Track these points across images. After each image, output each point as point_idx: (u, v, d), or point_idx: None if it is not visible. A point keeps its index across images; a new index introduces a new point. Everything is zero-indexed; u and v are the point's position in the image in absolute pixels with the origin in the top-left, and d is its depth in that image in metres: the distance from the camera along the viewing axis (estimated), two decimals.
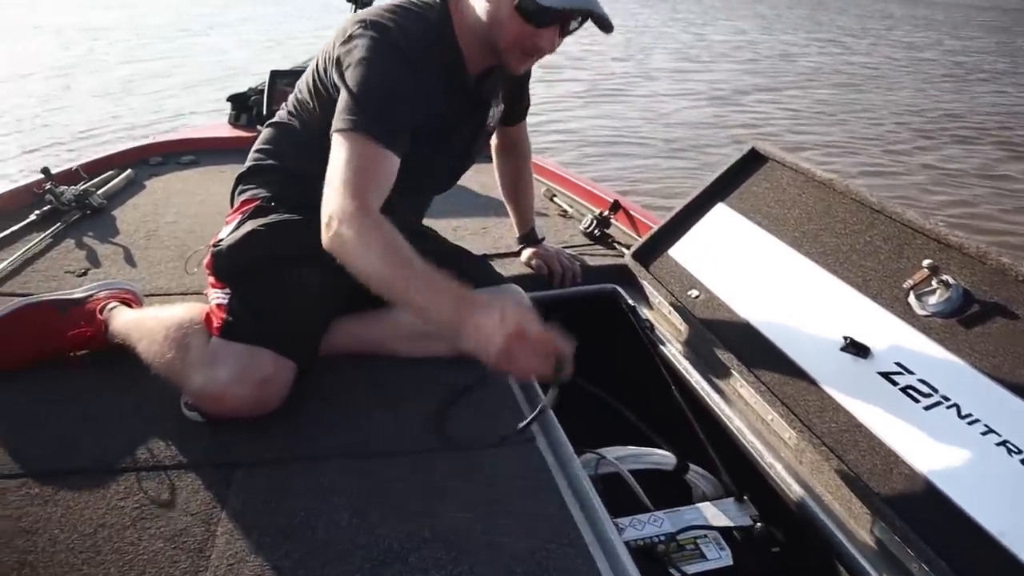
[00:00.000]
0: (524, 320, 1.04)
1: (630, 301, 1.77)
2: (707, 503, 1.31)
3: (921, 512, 1.03)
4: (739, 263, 1.62)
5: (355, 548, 0.99)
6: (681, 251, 1.77)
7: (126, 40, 13.24)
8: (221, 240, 1.40)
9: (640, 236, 2.02)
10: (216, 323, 1.27)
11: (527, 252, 1.88)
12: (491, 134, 1.67)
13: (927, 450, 1.09)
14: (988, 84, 11.73)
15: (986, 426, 1.06)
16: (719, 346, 1.49)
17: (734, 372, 1.44)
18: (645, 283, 1.80)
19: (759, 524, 1.26)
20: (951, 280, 1.23)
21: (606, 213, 2.10)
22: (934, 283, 1.24)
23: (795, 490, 1.21)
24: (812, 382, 1.30)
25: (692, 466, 1.40)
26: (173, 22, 16.28)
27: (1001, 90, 11.24)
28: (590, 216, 2.12)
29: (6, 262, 1.74)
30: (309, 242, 1.27)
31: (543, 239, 1.90)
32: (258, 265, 1.34)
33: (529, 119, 1.81)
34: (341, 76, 1.29)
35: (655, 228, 1.88)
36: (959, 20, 25.06)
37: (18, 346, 1.33)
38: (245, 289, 1.32)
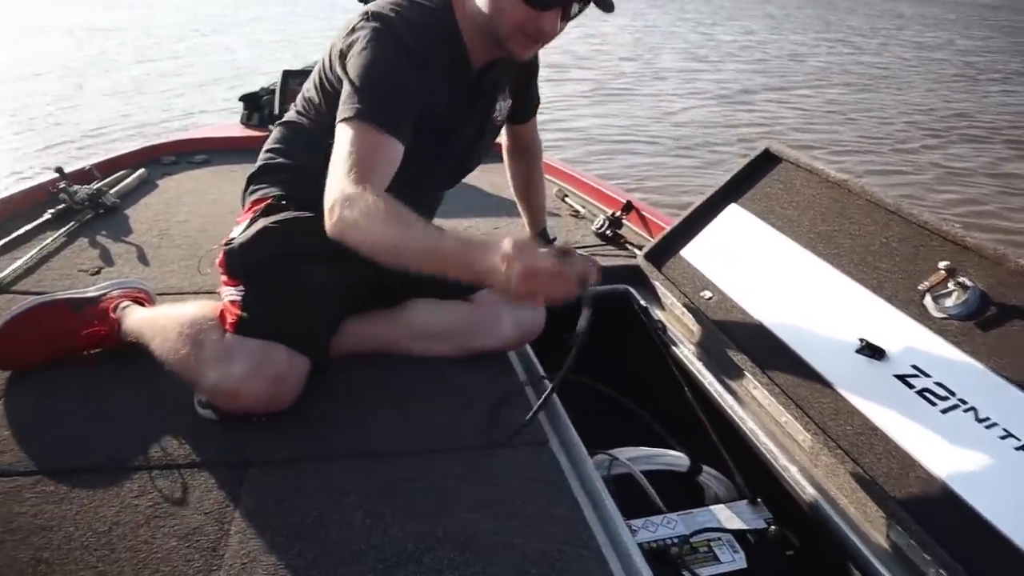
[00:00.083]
0: (534, 251, 1.02)
1: (642, 302, 1.77)
2: (720, 505, 1.30)
3: (938, 516, 1.02)
4: (752, 264, 1.61)
5: (368, 548, 0.99)
6: (694, 252, 1.77)
7: (137, 40, 13.30)
8: (233, 239, 1.40)
9: (652, 237, 2.02)
10: (230, 319, 1.27)
11: None
12: (499, 128, 1.66)
13: (944, 454, 1.08)
14: (1000, 84, 11.65)
15: (1005, 430, 1.05)
16: (732, 347, 1.48)
17: (747, 374, 1.43)
18: (657, 284, 1.79)
19: (773, 527, 1.25)
20: (968, 282, 1.21)
21: (618, 214, 2.10)
22: (951, 285, 1.23)
23: (809, 493, 1.20)
24: (827, 384, 1.29)
25: (705, 468, 1.39)
26: (184, 22, 16.35)
27: (1013, 90, 11.16)
28: (602, 216, 2.11)
29: (21, 261, 1.75)
30: (321, 239, 1.28)
31: (555, 239, 1.90)
32: (270, 262, 1.34)
33: (537, 117, 1.81)
34: (344, 68, 1.30)
35: (667, 229, 1.87)
36: (971, 20, 24.92)
37: (32, 344, 1.34)
38: (258, 286, 1.32)
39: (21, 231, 1.92)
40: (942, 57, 14.46)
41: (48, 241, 1.88)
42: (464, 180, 1.66)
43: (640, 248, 1.93)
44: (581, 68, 11.15)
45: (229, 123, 3.31)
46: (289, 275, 1.34)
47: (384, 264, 1.18)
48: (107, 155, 2.65)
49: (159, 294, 1.60)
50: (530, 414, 1.26)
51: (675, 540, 1.20)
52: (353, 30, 1.32)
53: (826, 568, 1.17)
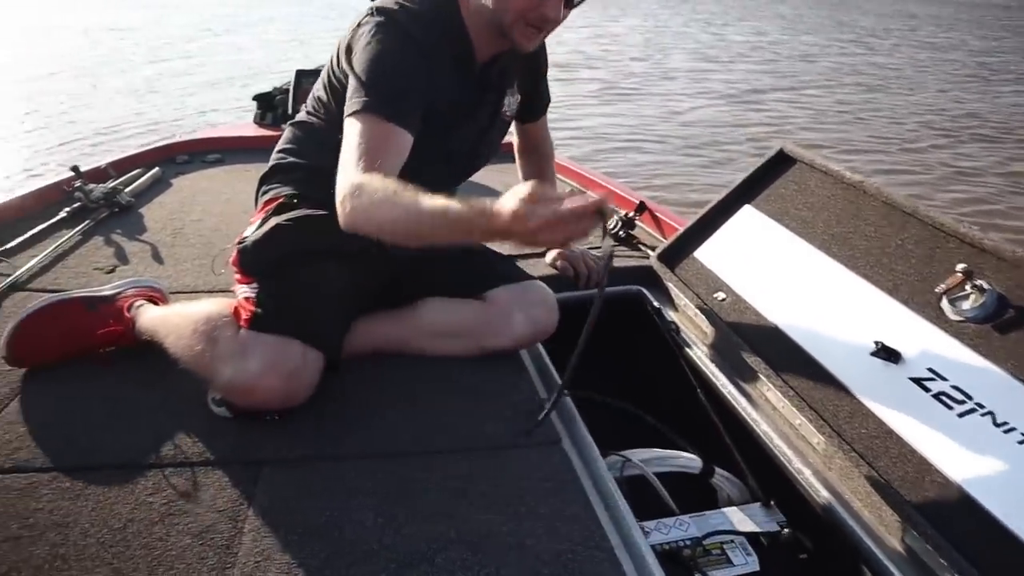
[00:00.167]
0: (546, 199, 1.00)
1: (655, 303, 1.76)
2: (733, 508, 1.29)
3: (954, 520, 1.01)
4: (766, 266, 1.61)
5: (381, 548, 0.99)
6: (707, 253, 1.76)
7: (150, 40, 13.38)
8: (246, 237, 1.41)
9: (665, 238, 2.01)
10: (245, 316, 1.27)
11: (552, 253, 1.88)
12: (508, 124, 1.66)
13: (961, 458, 1.07)
14: (1013, 85, 11.53)
15: (1023, 434, 1.04)
16: (746, 349, 1.47)
17: (761, 376, 1.42)
18: (671, 285, 1.79)
19: (786, 530, 1.24)
20: (985, 285, 1.20)
21: (631, 214, 2.09)
22: (968, 288, 1.22)
23: (823, 496, 1.20)
24: (841, 387, 1.28)
25: (718, 470, 1.39)
26: (197, 22, 16.44)
27: None
28: (615, 217, 2.10)
29: (37, 259, 1.77)
30: (333, 237, 1.29)
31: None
32: (284, 260, 1.35)
33: (547, 116, 1.80)
34: (350, 63, 1.31)
35: (681, 230, 1.87)
36: (985, 20, 24.73)
37: (47, 342, 1.35)
38: (271, 283, 1.33)
39: (37, 229, 1.94)
40: (955, 58, 14.35)
41: (64, 239, 1.90)
42: (477, 180, 1.66)
43: (653, 249, 1.93)
44: (591, 68, 11.15)
45: (242, 122, 3.33)
46: (302, 272, 1.35)
47: (403, 245, 1.19)
48: (122, 154, 2.66)
49: (173, 292, 1.61)
50: (543, 414, 1.26)
51: (688, 542, 1.20)
52: (359, 25, 1.34)
53: (840, 572, 1.16)
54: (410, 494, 1.10)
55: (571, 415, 1.34)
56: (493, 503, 1.09)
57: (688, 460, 1.38)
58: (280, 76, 3.28)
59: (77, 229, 1.98)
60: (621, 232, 2.07)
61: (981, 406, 1.10)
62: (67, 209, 2.06)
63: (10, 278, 1.66)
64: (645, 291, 1.83)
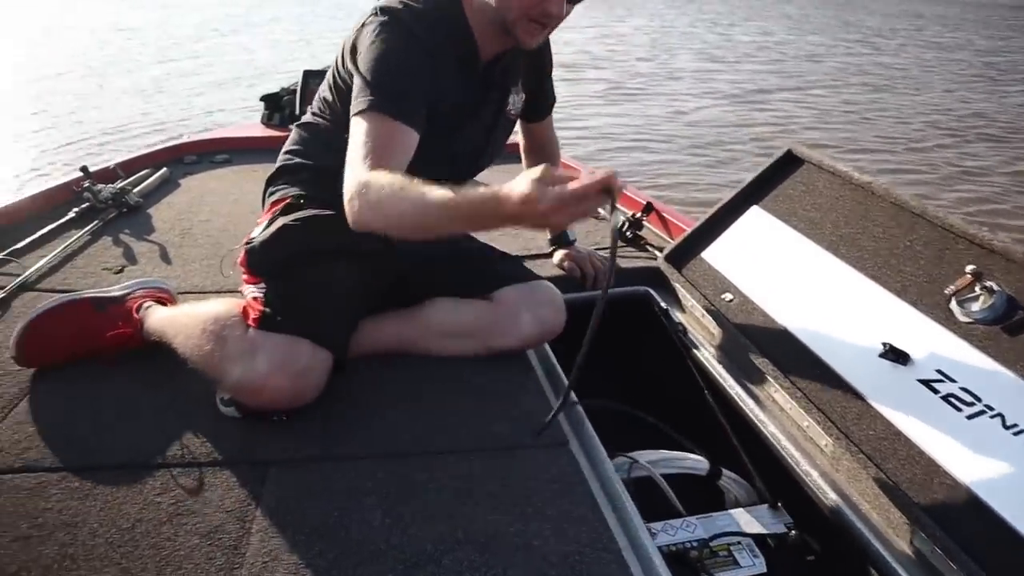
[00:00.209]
0: (554, 182, 1.00)
1: (663, 304, 1.76)
2: (740, 509, 1.29)
3: (963, 523, 1.01)
4: (774, 267, 1.60)
5: (388, 549, 0.99)
6: (715, 254, 1.76)
7: (158, 40, 13.43)
8: (253, 238, 1.41)
9: (673, 239, 2.01)
10: (253, 315, 1.27)
11: (559, 254, 1.88)
12: (513, 123, 1.66)
13: (970, 460, 1.06)
14: (1020, 85, 11.49)
15: None
16: (753, 350, 1.47)
17: (768, 377, 1.42)
18: (678, 286, 1.78)
19: (793, 532, 1.24)
20: (995, 287, 1.20)
21: (639, 215, 2.09)
22: (977, 289, 1.21)
23: (831, 498, 1.19)
24: (849, 389, 1.28)
25: (725, 471, 1.39)
26: (204, 22, 16.49)
27: None
28: (622, 217, 2.10)
29: (46, 259, 1.78)
30: (340, 236, 1.29)
31: (575, 240, 1.90)
32: (291, 259, 1.36)
33: (553, 116, 1.80)
34: (355, 62, 1.32)
35: (688, 231, 1.86)
36: (991, 20, 24.62)
37: (56, 342, 1.35)
38: (279, 283, 1.33)
39: (46, 229, 1.95)
40: (961, 58, 14.30)
41: (73, 239, 1.91)
42: (482, 180, 1.66)
43: (661, 250, 1.93)
44: (597, 68, 11.14)
45: (250, 123, 3.33)
46: (310, 271, 1.35)
47: (413, 239, 1.21)
48: (130, 154, 2.68)
49: (181, 293, 1.62)
50: (551, 416, 1.26)
51: (695, 544, 1.20)
52: (363, 25, 1.34)
53: (847, 574, 1.16)
54: (417, 494, 1.10)
55: (579, 417, 1.34)
56: (500, 504, 1.09)
57: (695, 462, 1.38)
58: (287, 76, 3.29)
59: (86, 229, 1.99)
60: (628, 233, 2.07)
61: (990, 408, 1.10)
62: (76, 209, 2.08)
63: (20, 278, 1.66)
64: (652, 292, 1.82)
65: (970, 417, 1.11)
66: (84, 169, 2.17)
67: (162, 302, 1.47)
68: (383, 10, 1.32)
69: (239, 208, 2.23)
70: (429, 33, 1.32)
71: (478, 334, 1.48)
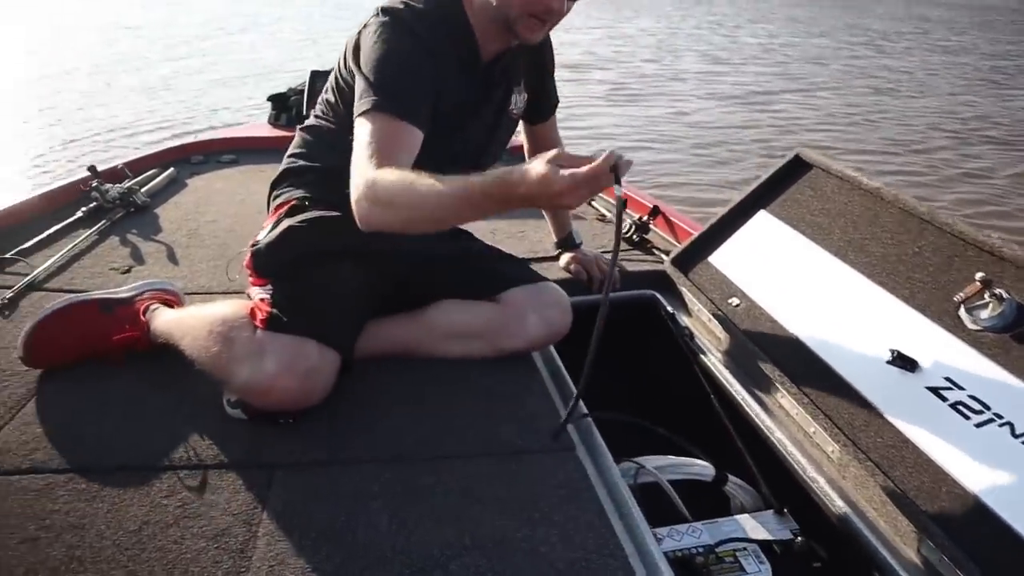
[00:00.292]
0: (567, 163, 1.05)
1: (669, 308, 1.76)
2: (746, 515, 1.29)
3: (971, 532, 1.01)
4: (781, 272, 1.60)
5: (395, 554, 0.99)
6: (721, 258, 1.75)
7: (165, 38, 13.47)
8: (259, 240, 1.41)
9: (679, 242, 2.00)
10: (261, 316, 1.27)
11: (565, 257, 1.88)
12: (516, 122, 1.65)
13: (978, 468, 1.06)
14: None
15: None
16: (760, 356, 1.47)
17: (775, 383, 1.42)
18: (684, 290, 1.78)
19: (800, 538, 1.23)
20: (1004, 294, 1.19)
21: (645, 218, 2.09)
22: (986, 297, 1.21)
23: (838, 505, 1.19)
24: (857, 395, 1.27)
25: (731, 477, 1.38)
26: (210, 20, 16.53)
27: None
28: (629, 221, 2.10)
29: (54, 258, 1.78)
30: (345, 237, 1.30)
31: (580, 244, 1.89)
32: (297, 260, 1.36)
33: (556, 117, 1.80)
34: (357, 62, 1.32)
35: (695, 234, 1.86)
36: (998, 23, 24.55)
37: (64, 343, 1.36)
38: (286, 284, 1.34)
39: (54, 229, 1.95)
40: (967, 61, 14.25)
41: (80, 239, 1.92)
42: None
43: (667, 253, 1.92)
44: (603, 69, 11.13)
45: (257, 123, 3.34)
46: (316, 272, 1.36)
47: (426, 231, 1.23)
48: (137, 154, 2.68)
49: (188, 294, 1.62)
50: (563, 421, 1.26)
51: (700, 549, 1.19)
52: (365, 26, 1.35)
53: None
54: (423, 498, 1.10)
55: (586, 423, 1.33)
56: (507, 509, 1.09)
57: (701, 468, 1.38)
58: (293, 75, 3.29)
59: (93, 229, 2.00)
60: (635, 236, 2.06)
61: (999, 416, 1.09)
62: (84, 209, 2.08)
63: (27, 278, 1.67)
64: (658, 296, 1.82)
65: (979, 425, 1.10)
66: (92, 168, 2.17)
67: (169, 304, 1.47)
68: (385, 11, 1.33)
69: (246, 208, 2.23)
70: (430, 33, 1.32)
71: (485, 336, 1.48)
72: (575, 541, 1.04)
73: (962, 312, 1.23)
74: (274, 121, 3.17)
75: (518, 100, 1.58)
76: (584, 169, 1.03)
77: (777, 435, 1.36)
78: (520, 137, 1.82)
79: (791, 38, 17.12)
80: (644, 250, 2.04)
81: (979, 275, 1.21)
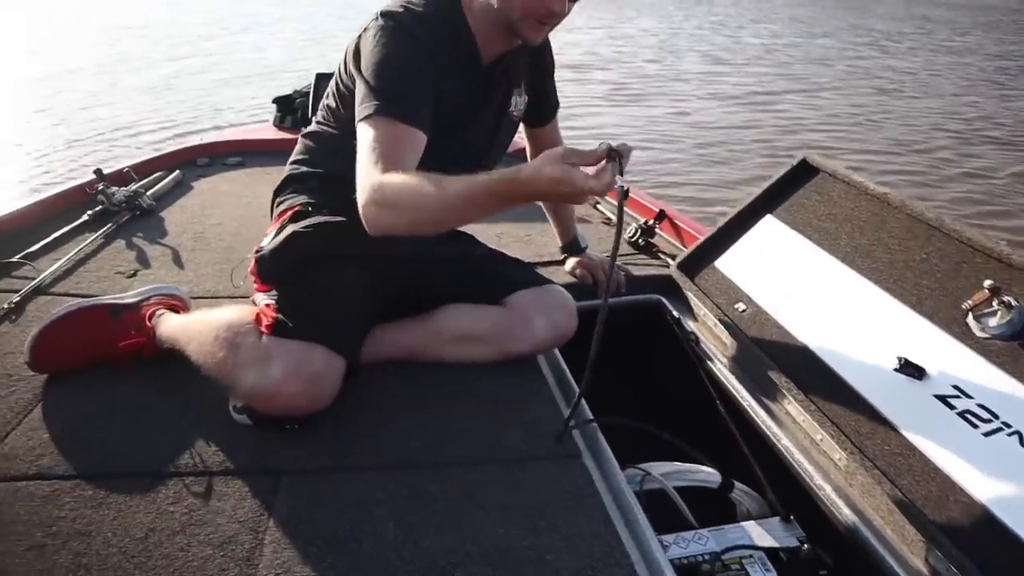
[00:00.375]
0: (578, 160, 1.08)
1: (675, 313, 1.75)
2: (752, 522, 1.28)
3: (980, 542, 1.00)
4: (788, 277, 1.59)
5: (400, 562, 0.99)
6: (728, 263, 1.75)
7: (168, 38, 13.49)
8: (263, 246, 1.42)
9: (685, 246, 2.00)
10: (266, 322, 1.27)
11: (571, 261, 1.88)
12: (516, 124, 1.65)
13: (986, 478, 1.06)
14: None
15: None
16: (766, 362, 1.46)
17: (782, 389, 1.41)
18: (690, 295, 1.78)
19: (806, 546, 1.23)
20: (1013, 302, 1.19)
21: (651, 222, 2.08)
22: (995, 304, 1.20)
23: (845, 513, 1.19)
24: (864, 403, 1.27)
25: (737, 484, 1.38)
26: (213, 20, 16.55)
27: None
28: (634, 225, 2.10)
29: (60, 262, 1.78)
30: (349, 242, 1.30)
31: (586, 247, 1.89)
32: (301, 265, 1.36)
33: (558, 120, 1.80)
34: (358, 66, 1.32)
35: (701, 239, 1.86)
36: (1002, 24, 24.49)
37: (70, 348, 1.36)
38: (291, 289, 1.34)
39: (60, 232, 1.96)
40: (970, 62, 14.22)
41: (86, 243, 1.92)
42: None
43: (673, 258, 1.92)
44: (603, 70, 11.12)
45: (262, 125, 3.34)
46: (321, 277, 1.36)
47: (435, 232, 1.25)
48: (141, 154, 2.69)
49: (194, 298, 1.62)
50: (567, 420, 1.26)
51: (706, 557, 1.19)
52: (366, 30, 1.35)
53: None
54: (428, 506, 1.10)
55: (591, 429, 1.33)
56: (512, 516, 1.09)
57: (707, 474, 1.37)
58: (296, 75, 3.30)
59: (99, 232, 2.00)
60: (640, 240, 2.06)
61: (1008, 425, 1.09)
62: (89, 212, 2.08)
63: (34, 282, 1.67)
64: (664, 300, 1.82)
65: (987, 434, 1.10)
66: (98, 172, 2.18)
67: (175, 309, 1.47)
68: (384, 14, 1.33)
69: (251, 212, 2.23)
70: (430, 35, 1.32)
71: (491, 339, 1.48)
72: (581, 549, 1.03)
73: (970, 319, 1.23)
74: (279, 123, 3.17)
75: (518, 102, 1.58)
76: (591, 170, 1.07)
77: (783, 442, 1.35)
78: (522, 139, 1.81)
79: (794, 38, 17.10)
80: (650, 254, 2.03)
81: (987, 282, 1.20)
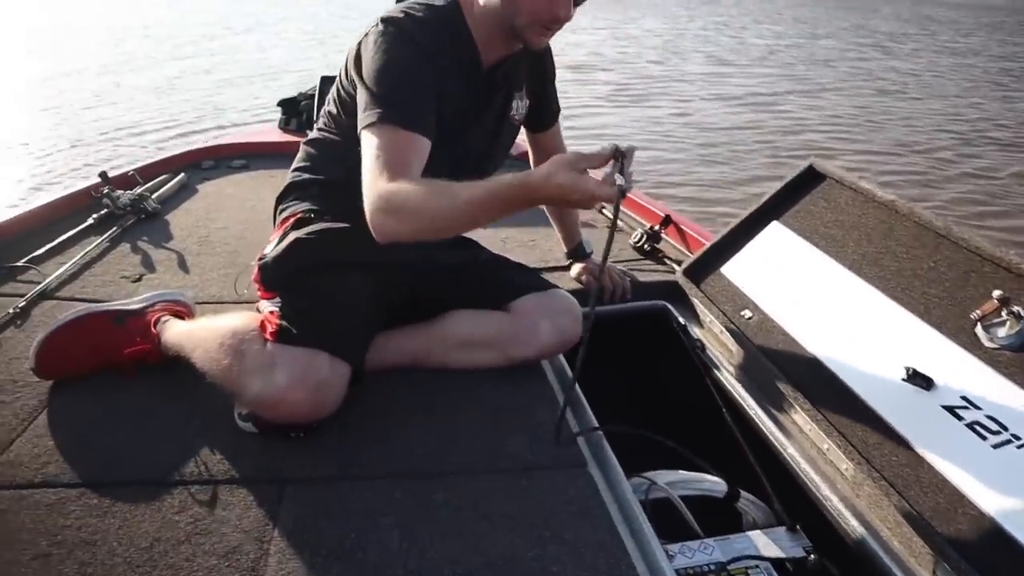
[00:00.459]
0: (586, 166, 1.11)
1: (680, 319, 1.75)
2: (758, 532, 1.27)
3: (988, 555, 0.99)
4: (794, 284, 1.59)
5: (405, 572, 0.99)
6: (734, 269, 1.74)
7: (172, 38, 13.51)
8: (266, 254, 1.41)
9: (691, 252, 2.00)
10: (271, 329, 1.27)
11: (577, 267, 1.87)
12: (518, 128, 1.65)
13: (996, 490, 1.05)
14: None
15: None
16: (772, 370, 1.46)
17: (788, 398, 1.41)
18: (696, 301, 1.77)
19: (813, 556, 1.22)
20: (1022, 312, 1.18)
21: (656, 227, 2.08)
22: (1004, 314, 1.19)
23: (852, 524, 1.18)
24: (871, 413, 1.26)
25: (743, 493, 1.37)
26: (217, 20, 16.57)
27: None
28: (640, 230, 2.09)
29: (65, 266, 1.78)
30: (352, 249, 1.30)
31: (591, 253, 1.89)
32: (306, 272, 1.36)
33: (561, 125, 1.80)
34: (359, 73, 1.32)
35: (707, 245, 1.85)
36: (1007, 25, 24.44)
37: (75, 355, 1.35)
38: (295, 296, 1.33)
39: (65, 236, 1.95)
40: (974, 63, 14.20)
41: (92, 247, 1.92)
42: None
43: (679, 263, 1.91)
44: (606, 71, 11.12)
45: (267, 128, 3.34)
46: (324, 284, 1.35)
47: (445, 236, 1.27)
48: (145, 153, 2.69)
49: (199, 303, 1.62)
50: (560, 411, 1.26)
51: (712, 567, 1.18)
52: (366, 35, 1.34)
53: None
54: (434, 515, 1.10)
55: (597, 438, 1.33)
56: (518, 526, 1.08)
57: (713, 483, 1.37)
58: (299, 75, 3.31)
59: (104, 236, 2.00)
60: (646, 245, 2.05)
61: (1017, 437, 1.08)
62: (95, 215, 2.08)
63: (39, 286, 1.67)
64: (670, 306, 1.81)
65: (996, 447, 1.09)
66: (103, 175, 2.17)
67: (180, 315, 1.47)
68: (384, 20, 1.33)
69: (256, 215, 2.23)
70: (431, 39, 1.32)
71: (496, 344, 1.47)
72: (586, 560, 1.03)
73: (979, 329, 1.22)
74: (284, 126, 3.16)
75: (519, 106, 1.58)
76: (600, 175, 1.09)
77: (790, 451, 1.35)
78: (524, 142, 1.81)
79: (797, 39, 17.10)
80: (656, 260, 2.03)
81: (996, 293, 1.20)
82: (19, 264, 1.77)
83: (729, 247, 1.79)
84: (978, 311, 1.23)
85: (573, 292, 1.65)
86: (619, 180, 1.08)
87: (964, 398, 1.17)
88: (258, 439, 1.23)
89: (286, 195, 1.54)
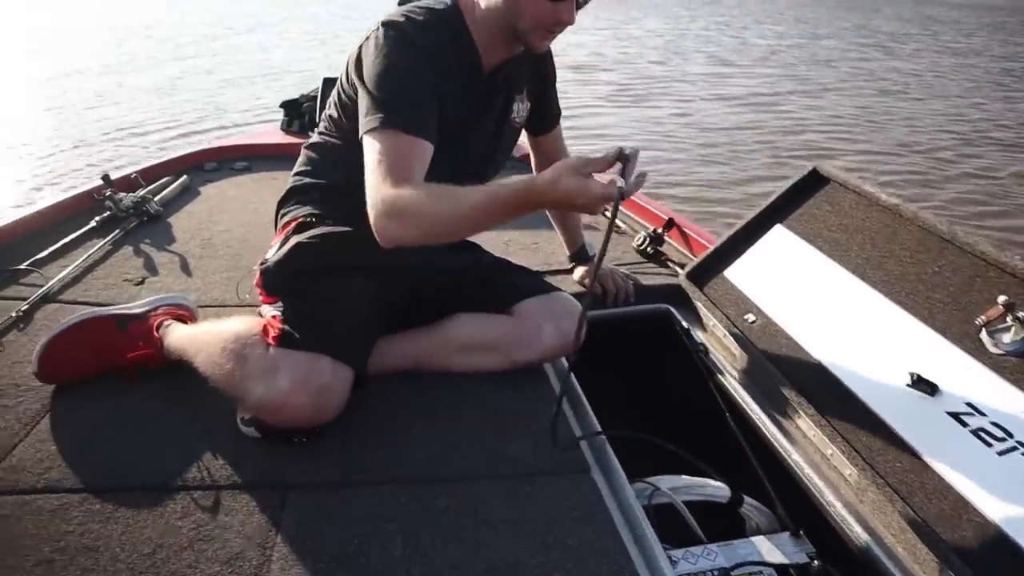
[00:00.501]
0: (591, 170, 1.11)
1: (684, 323, 1.74)
2: (761, 537, 1.27)
3: (993, 562, 0.99)
4: (798, 288, 1.58)
5: None
6: (737, 273, 1.74)
7: (173, 38, 13.52)
8: (268, 259, 1.41)
9: (694, 255, 1.99)
10: (273, 333, 1.27)
11: (580, 271, 1.87)
12: (518, 131, 1.65)
13: (1000, 498, 1.04)
14: None
15: None
16: (776, 374, 1.45)
17: (791, 402, 1.40)
18: (699, 305, 1.77)
19: (816, 562, 1.22)
20: None
21: (660, 230, 2.07)
22: (1009, 320, 1.19)
23: (856, 530, 1.17)
24: (875, 418, 1.26)
25: (747, 499, 1.37)
26: (218, 20, 16.59)
27: None
28: (643, 233, 2.09)
29: (68, 269, 1.78)
30: (354, 253, 1.30)
31: (594, 255, 1.88)
32: (306, 276, 1.36)
33: (562, 129, 1.80)
34: (360, 76, 1.31)
35: (710, 248, 1.85)
36: (1009, 25, 24.42)
37: (77, 359, 1.35)
38: (296, 300, 1.33)
39: (68, 239, 1.95)
40: (975, 63, 14.18)
41: (94, 250, 1.92)
42: None
43: (682, 266, 1.91)
44: (607, 71, 11.12)
45: (270, 130, 3.34)
46: (326, 287, 1.35)
47: (449, 240, 1.28)
48: (147, 154, 2.69)
49: (201, 307, 1.62)
50: (556, 406, 1.24)
51: (716, 572, 1.18)
52: (367, 39, 1.34)
53: None
54: (437, 521, 1.09)
55: (600, 442, 1.32)
56: (520, 532, 1.08)
57: (716, 489, 1.36)
58: (301, 75, 3.31)
59: (107, 239, 2.00)
60: (649, 248, 2.05)
61: (1022, 444, 1.08)
62: (97, 218, 2.08)
63: (42, 289, 1.67)
64: (673, 310, 1.81)
65: (1001, 453, 1.09)
66: (105, 177, 2.17)
67: (183, 319, 1.47)
68: (385, 24, 1.33)
69: (259, 217, 2.23)
70: (432, 43, 1.32)
71: (499, 348, 1.47)
72: (589, 566, 1.03)
73: (983, 335, 1.22)
74: (286, 128, 3.16)
75: (520, 108, 1.58)
76: (600, 178, 1.09)
77: (793, 456, 1.34)
78: (526, 144, 1.81)
79: (799, 39, 17.08)
80: (659, 263, 2.02)
81: (1002, 298, 1.19)
82: (22, 267, 1.77)
83: (732, 250, 1.78)
84: (983, 316, 1.22)
85: (576, 295, 1.65)
86: (619, 183, 1.08)
87: (969, 404, 1.17)
88: (261, 444, 1.23)
89: (287, 199, 1.54)
